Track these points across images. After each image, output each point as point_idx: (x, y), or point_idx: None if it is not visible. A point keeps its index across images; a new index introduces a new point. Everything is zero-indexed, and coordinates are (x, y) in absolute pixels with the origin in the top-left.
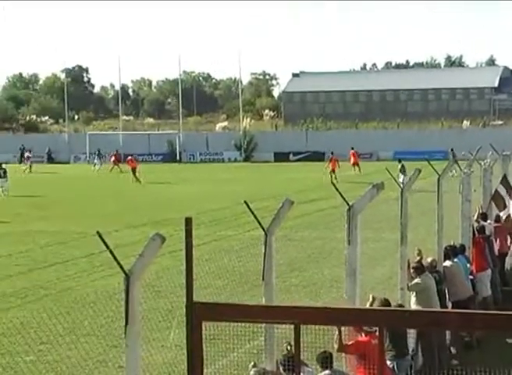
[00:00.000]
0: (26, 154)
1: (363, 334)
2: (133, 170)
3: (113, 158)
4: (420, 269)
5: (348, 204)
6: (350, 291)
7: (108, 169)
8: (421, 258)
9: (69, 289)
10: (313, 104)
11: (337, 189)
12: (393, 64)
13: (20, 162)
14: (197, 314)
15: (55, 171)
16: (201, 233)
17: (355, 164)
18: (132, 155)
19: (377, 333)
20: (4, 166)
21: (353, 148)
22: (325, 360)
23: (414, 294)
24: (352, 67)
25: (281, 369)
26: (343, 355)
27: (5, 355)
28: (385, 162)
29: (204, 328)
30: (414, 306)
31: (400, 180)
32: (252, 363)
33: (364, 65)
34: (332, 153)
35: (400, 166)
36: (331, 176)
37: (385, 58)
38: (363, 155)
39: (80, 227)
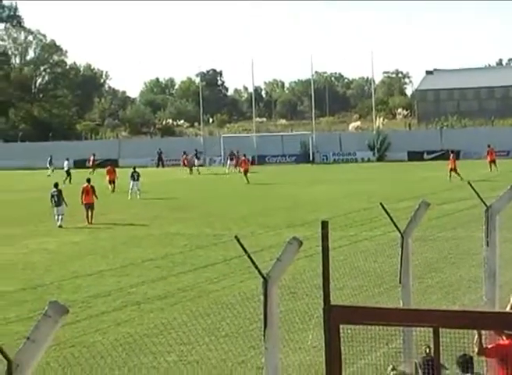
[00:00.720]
0: (190, 156)
1: (504, 337)
2: (245, 171)
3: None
4: None
5: (486, 204)
6: (489, 294)
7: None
8: None
9: (208, 292)
10: (447, 101)
11: (474, 189)
12: None
13: (157, 166)
14: (335, 317)
15: (191, 174)
16: (337, 235)
17: (492, 162)
18: (245, 156)
19: None
20: (138, 169)
21: (489, 146)
22: (465, 364)
23: None
24: (487, 63)
25: (420, 372)
26: (483, 358)
27: (148, 355)
28: None
29: (341, 330)
30: None
31: None
32: (391, 366)
33: (500, 60)
34: (452, 151)
35: None
36: (450, 175)
37: None
38: (499, 152)
39: (216, 230)
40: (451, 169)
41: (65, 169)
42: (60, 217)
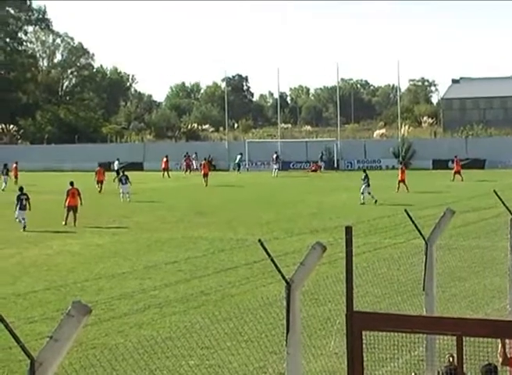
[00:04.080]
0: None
1: None
2: (205, 175)
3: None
4: None
5: (511, 213)
6: None
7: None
8: None
9: (230, 296)
10: (473, 110)
11: (500, 198)
12: None
13: (186, 170)
14: (358, 323)
15: (216, 178)
16: (360, 242)
17: (457, 172)
18: (205, 159)
19: None
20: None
21: (456, 157)
22: (490, 373)
23: None
24: None
25: None
26: (508, 368)
27: (170, 358)
28: None
29: (363, 337)
30: None
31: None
32: (413, 374)
33: None
34: (401, 162)
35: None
36: (398, 187)
37: None
38: None
39: (239, 234)
40: (400, 181)
41: (116, 168)
42: (24, 221)
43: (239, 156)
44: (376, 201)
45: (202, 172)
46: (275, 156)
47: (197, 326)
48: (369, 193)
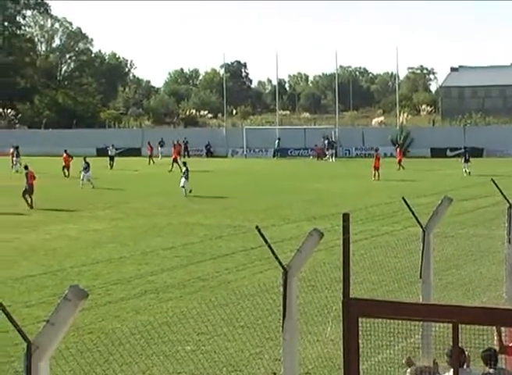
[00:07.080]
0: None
1: None
2: (175, 160)
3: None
4: None
5: (509, 201)
6: (510, 291)
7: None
8: None
9: (227, 282)
10: (471, 99)
11: (497, 186)
12: None
13: (185, 156)
14: (354, 310)
15: (214, 165)
16: (357, 229)
17: (376, 168)
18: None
19: None
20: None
21: (377, 150)
22: (490, 358)
23: None
24: None
25: (447, 359)
26: (503, 356)
27: (166, 343)
28: None
29: (359, 324)
30: None
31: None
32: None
33: None
34: (376, 150)
35: None
36: (374, 175)
37: None
38: None
39: (236, 221)
40: (375, 168)
41: (112, 154)
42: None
43: (277, 141)
44: (191, 191)
45: (173, 156)
46: (326, 142)
47: (193, 312)
48: (183, 187)
